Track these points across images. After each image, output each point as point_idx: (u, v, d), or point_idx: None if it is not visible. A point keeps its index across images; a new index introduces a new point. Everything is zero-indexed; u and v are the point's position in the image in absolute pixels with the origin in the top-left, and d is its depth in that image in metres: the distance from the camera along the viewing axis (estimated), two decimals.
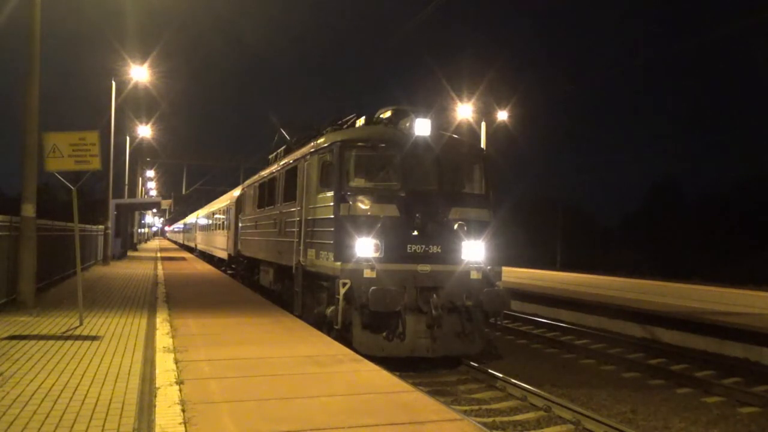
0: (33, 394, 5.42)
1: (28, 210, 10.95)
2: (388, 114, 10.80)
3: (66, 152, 9.35)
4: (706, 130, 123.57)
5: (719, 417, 7.92)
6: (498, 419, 7.38)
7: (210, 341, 8.17)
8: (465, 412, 7.42)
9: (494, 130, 29.60)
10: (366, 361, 7.23)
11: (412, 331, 9.20)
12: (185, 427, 4.57)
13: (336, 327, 9.12)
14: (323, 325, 9.88)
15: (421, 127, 10.02)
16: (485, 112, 29.13)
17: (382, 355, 8.85)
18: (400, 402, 5.50)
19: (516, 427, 7.21)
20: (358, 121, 11.38)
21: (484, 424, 6.71)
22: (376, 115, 11.15)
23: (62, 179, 10.90)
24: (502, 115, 29.48)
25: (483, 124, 29.06)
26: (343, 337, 9.05)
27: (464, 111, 28.87)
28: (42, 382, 5.84)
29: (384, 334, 9.13)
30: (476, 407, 7.87)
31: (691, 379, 9.66)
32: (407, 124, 10.20)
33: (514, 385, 8.62)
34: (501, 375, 9.01)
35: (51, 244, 14.35)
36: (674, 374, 9.95)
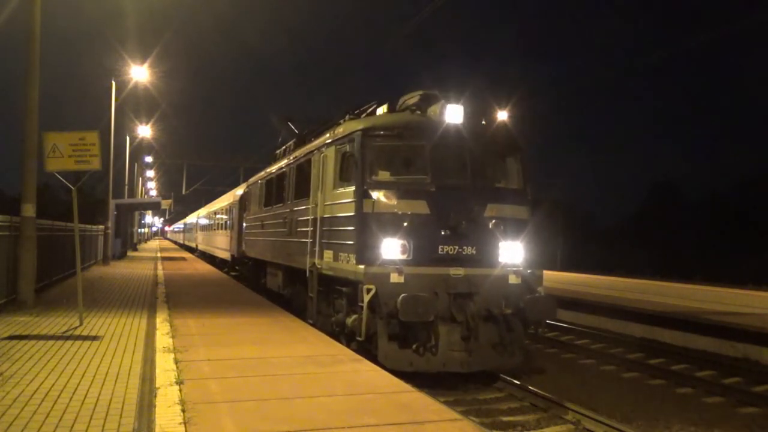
0: (33, 394, 5.42)
1: (28, 210, 10.96)
2: (414, 99, 9.53)
3: (66, 152, 9.36)
4: (706, 129, 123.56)
5: (719, 417, 7.92)
6: (498, 419, 7.39)
7: (210, 341, 8.17)
8: (465, 412, 7.42)
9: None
10: (366, 361, 7.23)
11: (444, 343, 8.14)
12: (185, 427, 4.57)
13: (359, 338, 8.19)
14: (341, 335, 9.08)
15: (453, 113, 8.93)
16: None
17: (410, 370, 7.90)
18: (400, 402, 5.50)
19: (516, 427, 7.21)
20: (380, 109, 10.17)
21: (484, 424, 6.71)
22: (400, 102, 9.87)
23: (62, 179, 10.91)
24: (502, 115, 29.45)
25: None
26: (366, 350, 8.21)
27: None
28: (42, 382, 5.84)
29: (414, 346, 8.09)
30: (476, 407, 7.87)
31: (691, 379, 9.67)
32: (437, 111, 9.08)
33: (514, 385, 8.63)
34: (501, 375, 9.01)
35: (51, 244, 14.36)
36: (674, 374, 9.95)
